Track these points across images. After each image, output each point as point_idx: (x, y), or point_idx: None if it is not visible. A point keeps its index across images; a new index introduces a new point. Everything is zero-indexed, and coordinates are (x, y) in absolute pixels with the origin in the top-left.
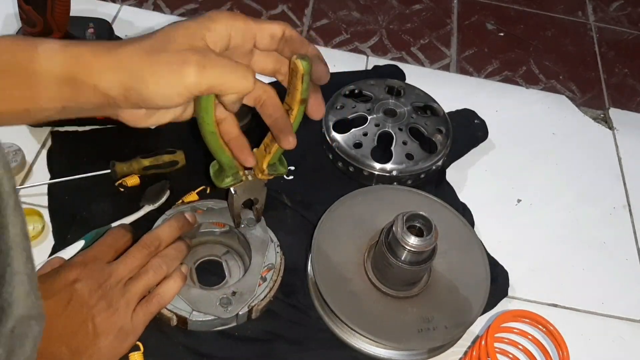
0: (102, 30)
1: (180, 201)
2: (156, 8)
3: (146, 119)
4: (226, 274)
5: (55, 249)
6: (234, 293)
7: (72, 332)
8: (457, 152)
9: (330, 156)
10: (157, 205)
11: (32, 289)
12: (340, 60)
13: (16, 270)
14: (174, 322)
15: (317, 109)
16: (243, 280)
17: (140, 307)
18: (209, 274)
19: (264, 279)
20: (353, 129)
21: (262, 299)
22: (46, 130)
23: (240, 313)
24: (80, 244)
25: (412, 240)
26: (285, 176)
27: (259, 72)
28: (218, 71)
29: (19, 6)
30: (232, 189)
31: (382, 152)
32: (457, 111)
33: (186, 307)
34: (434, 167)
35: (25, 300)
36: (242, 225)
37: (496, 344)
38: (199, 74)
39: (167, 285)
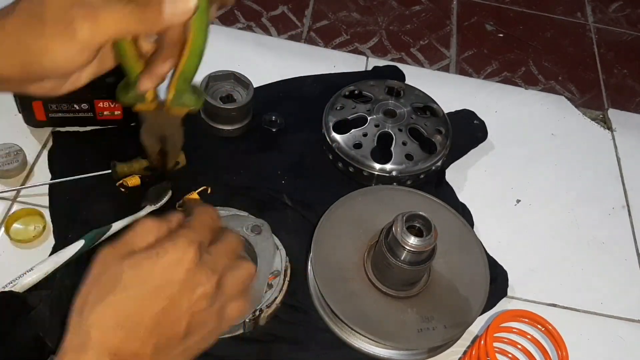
0: None
1: (182, 201)
2: None
3: (60, 86)
4: None
5: (55, 249)
6: None
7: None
8: (456, 152)
9: (330, 156)
10: (158, 205)
11: None
12: (340, 61)
13: None
14: None
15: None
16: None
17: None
18: None
19: (270, 286)
20: (353, 130)
21: (269, 306)
22: (47, 130)
23: (247, 320)
24: (80, 243)
25: (412, 241)
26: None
27: None
28: (115, 17)
29: None
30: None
31: (382, 152)
32: (457, 112)
33: None
34: (433, 168)
35: None
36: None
37: (495, 344)
38: (92, 29)
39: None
